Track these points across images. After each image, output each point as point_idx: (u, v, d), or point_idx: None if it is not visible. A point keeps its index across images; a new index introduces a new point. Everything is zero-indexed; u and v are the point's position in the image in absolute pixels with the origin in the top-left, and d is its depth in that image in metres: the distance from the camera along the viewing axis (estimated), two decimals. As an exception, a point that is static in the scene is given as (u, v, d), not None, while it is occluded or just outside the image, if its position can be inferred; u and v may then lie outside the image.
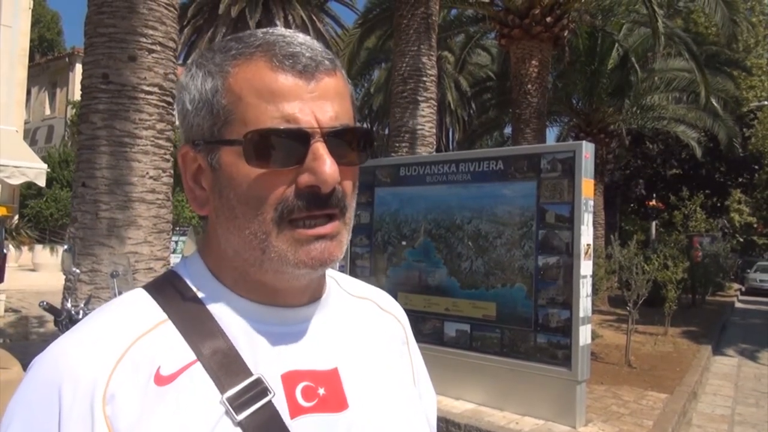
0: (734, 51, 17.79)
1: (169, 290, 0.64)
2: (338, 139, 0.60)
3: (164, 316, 0.61)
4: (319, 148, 0.59)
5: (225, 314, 0.63)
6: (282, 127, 0.58)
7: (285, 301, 0.65)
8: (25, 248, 13.49)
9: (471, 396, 4.82)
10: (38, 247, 14.54)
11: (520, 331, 4.57)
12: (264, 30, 0.63)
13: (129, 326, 0.60)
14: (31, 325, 7.96)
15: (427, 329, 5.13)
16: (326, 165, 0.58)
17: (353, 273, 5.74)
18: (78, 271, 3.48)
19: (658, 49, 10.29)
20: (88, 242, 3.92)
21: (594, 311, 6.34)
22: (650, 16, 9.97)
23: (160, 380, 0.57)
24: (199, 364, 0.59)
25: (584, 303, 4.32)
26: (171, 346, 0.59)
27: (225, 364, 0.59)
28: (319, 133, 0.59)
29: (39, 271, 14.14)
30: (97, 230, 3.92)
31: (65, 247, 3.17)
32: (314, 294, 0.69)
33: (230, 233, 0.62)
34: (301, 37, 0.62)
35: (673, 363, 7.35)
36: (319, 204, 0.59)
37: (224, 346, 0.60)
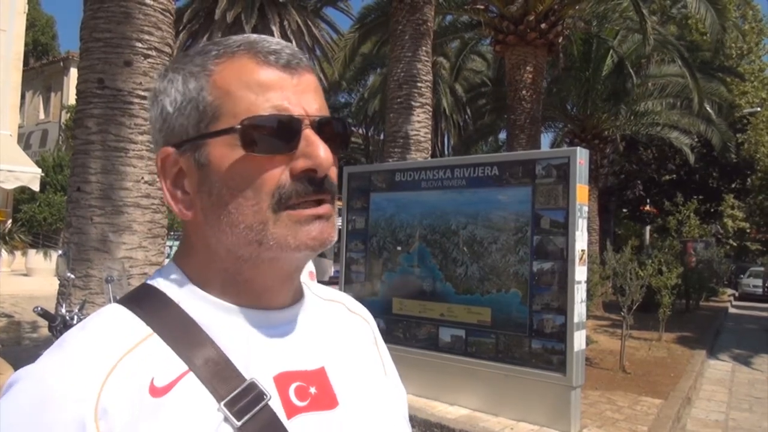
0: (727, 57, 17.91)
1: (148, 303, 0.63)
2: (323, 129, 0.63)
3: (149, 330, 0.60)
4: (311, 134, 0.61)
5: (210, 321, 0.62)
6: (276, 114, 0.60)
7: (270, 302, 0.66)
8: (18, 253, 13.41)
9: (466, 401, 4.82)
10: (31, 251, 14.47)
11: (515, 336, 4.58)
12: (240, 35, 0.65)
13: (115, 342, 0.58)
14: (23, 331, 7.92)
15: (422, 334, 5.13)
16: (320, 149, 0.61)
17: (348, 278, 5.73)
18: (73, 276, 3.47)
19: (648, 52, 10.36)
20: (82, 247, 3.90)
21: (588, 317, 6.35)
22: (639, 20, 10.04)
23: (155, 392, 0.56)
24: (192, 374, 0.58)
25: (579, 308, 4.34)
26: (161, 358, 0.59)
27: (217, 372, 0.59)
28: (309, 120, 0.62)
29: (32, 276, 14.07)
30: (92, 235, 3.90)
31: (60, 252, 3.16)
32: (296, 294, 0.70)
33: (222, 232, 0.62)
34: (277, 40, 0.65)
35: (667, 368, 7.37)
36: (315, 187, 0.61)
37: (214, 354, 0.60)
